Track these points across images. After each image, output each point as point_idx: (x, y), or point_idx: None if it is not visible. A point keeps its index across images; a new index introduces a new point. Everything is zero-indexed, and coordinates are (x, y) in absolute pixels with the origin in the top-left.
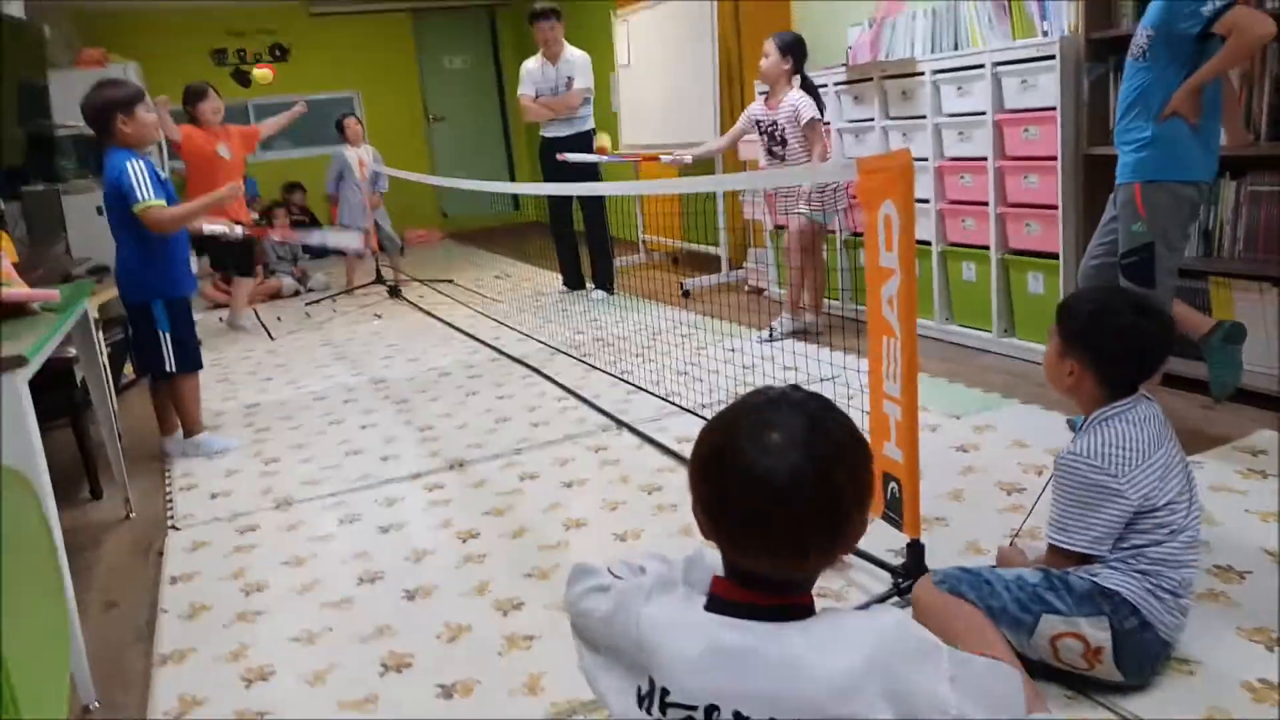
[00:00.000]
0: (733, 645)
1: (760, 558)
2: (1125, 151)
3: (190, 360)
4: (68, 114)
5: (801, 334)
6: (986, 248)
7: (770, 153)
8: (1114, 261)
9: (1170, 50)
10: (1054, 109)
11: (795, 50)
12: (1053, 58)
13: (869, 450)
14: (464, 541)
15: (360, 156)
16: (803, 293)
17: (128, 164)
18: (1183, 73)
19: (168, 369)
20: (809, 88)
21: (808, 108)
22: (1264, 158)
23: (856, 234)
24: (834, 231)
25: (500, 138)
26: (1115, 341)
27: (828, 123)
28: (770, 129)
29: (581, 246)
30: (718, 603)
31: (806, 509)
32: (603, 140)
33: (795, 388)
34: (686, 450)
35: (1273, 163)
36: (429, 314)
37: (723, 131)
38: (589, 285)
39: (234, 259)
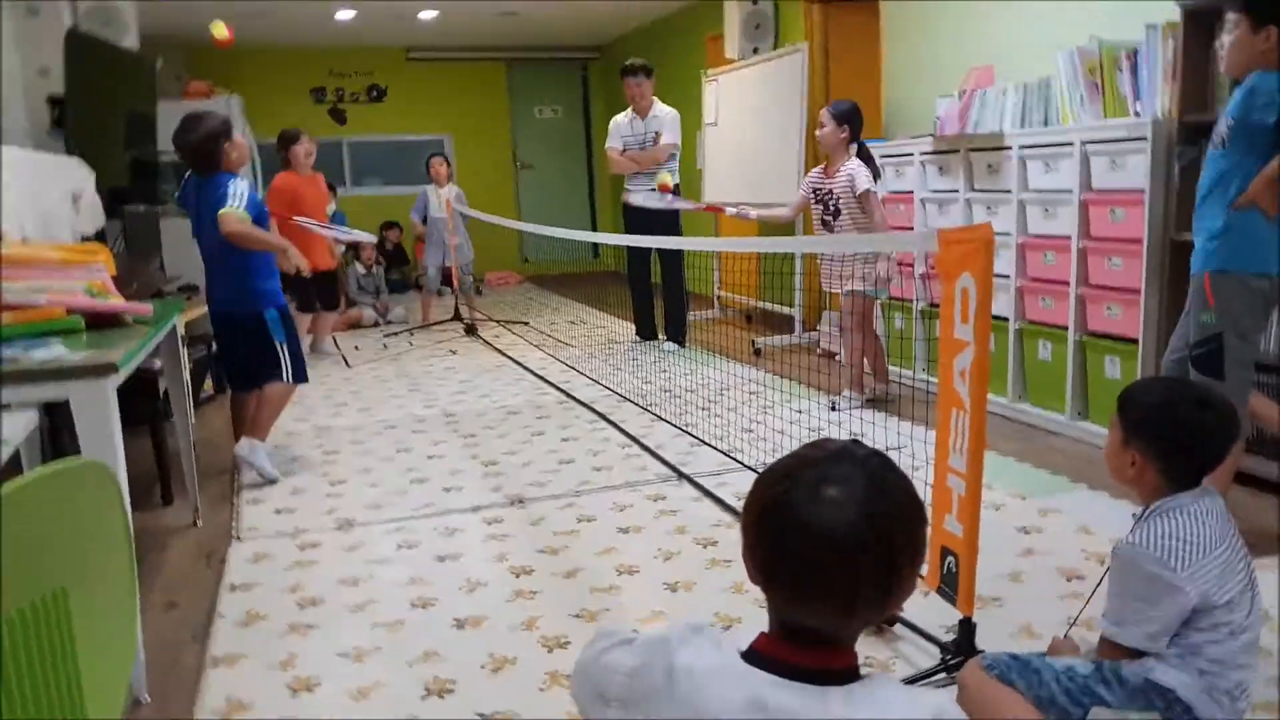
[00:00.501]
0: (776, 705)
1: (811, 609)
2: (1199, 240)
3: (302, 371)
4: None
5: (870, 403)
6: (1065, 328)
7: (823, 222)
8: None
9: (1248, 139)
10: (1142, 191)
11: (851, 119)
12: (1144, 139)
13: (924, 511)
14: (517, 576)
15: (445, 197)
16: (864, 367)
17: (232, 182)
18: (1260, 163)
19: (285, 379)
20: (865, 157)
21: (863, 178)
22: None
23: (934, 304)
24: (883, 299)
25: (585, 187)
26: (1176, 434)
27: (907, 193)
28: (825, 198)
29: (657, 298)
30: (759, 658)
31: (862, 565)
32: (663, 178)
33: (856, 443)
34: None
35: None
36: (502, 353)
37: None
38: (661, 337)
39: (319, 296)
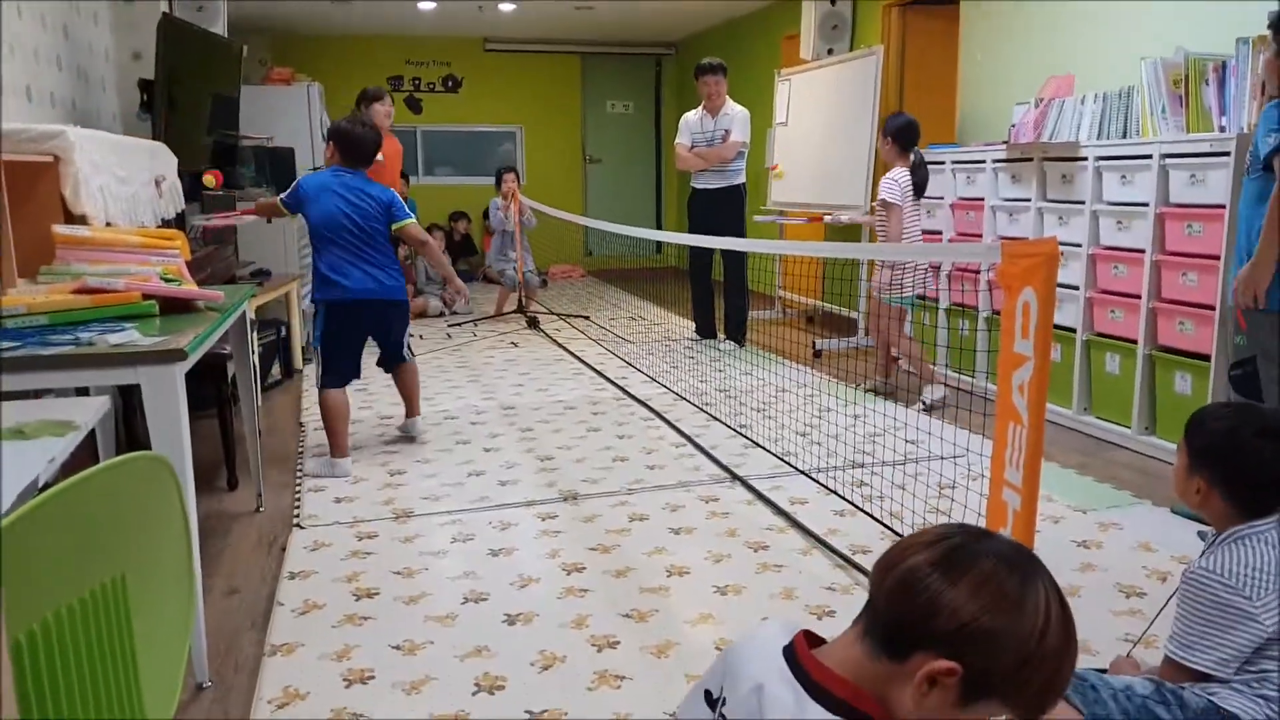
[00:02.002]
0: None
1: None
2: (1233, 267)
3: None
4: (253, 125)
5: (887, 394)
6: (1134, 341)
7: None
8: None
9: (1256, 170)
10: (1222, 207)
11: (896, 133)
12: (1227, 154)
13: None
14: (568, 573)
15: (514, 213)
16: (894, 366)
17: (394, 193)
18: (1265, 196)
19: (407, 356)
20: (917, 167)
21: (885, 189)
22: None
23: (996, 313)
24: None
25: (652, 183)
26: (1240, 462)
27: (979, 199)
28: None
29: (717, 296)
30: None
31: None
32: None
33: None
34: (798, 513)
35: None
36: (563, 347)
37: (872, 196)
38: (720, 335)
39: None
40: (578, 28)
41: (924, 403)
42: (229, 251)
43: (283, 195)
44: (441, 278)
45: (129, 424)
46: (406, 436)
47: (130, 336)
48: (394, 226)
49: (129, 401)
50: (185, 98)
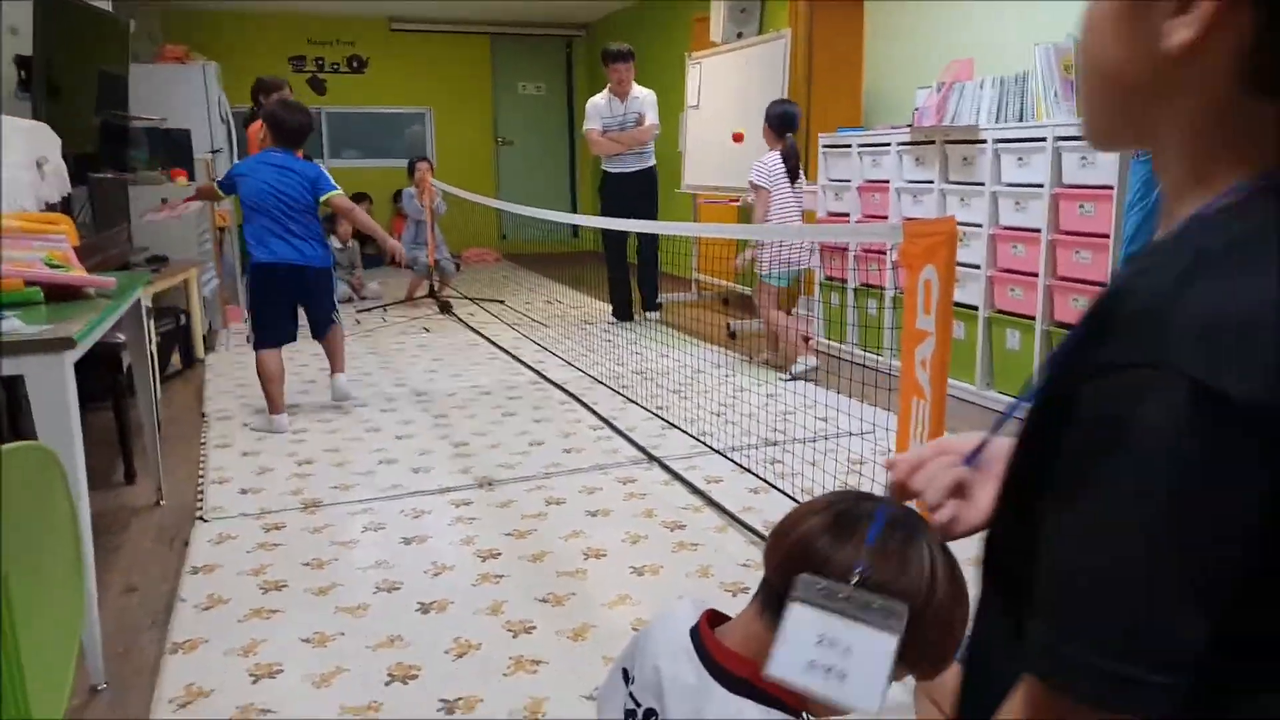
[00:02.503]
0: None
1: None
2: (1124, 244)
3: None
4: (146, 106)
5: (778, 367)
6: (1032, 318)
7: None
8: None
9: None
10: (1111, 187)
11: (772, 119)
12: None
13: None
14: (483, 560)
15: (425, 203)
16: (779, 342)
17: (319, 168)
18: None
19: (335, 318)
20: (788, 153)
21: (754, 172)
22: None
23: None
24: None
25: (566, 166)
26: None
27: (884, 181)
28: None
29: (633, 278)
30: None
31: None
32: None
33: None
34: (714, 491)
35: None
36: (477, 332)
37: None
38: (640, 314)
39: None
40: (487, 9)
41: (790, 373)
42: (122, 236)
43: (219, 179)
44: (352, 261)
45: (13, 417)
46: (336, 405)
47: (12, 325)
48: (321, 199)
49: (13, 394)
50: (68, 76)
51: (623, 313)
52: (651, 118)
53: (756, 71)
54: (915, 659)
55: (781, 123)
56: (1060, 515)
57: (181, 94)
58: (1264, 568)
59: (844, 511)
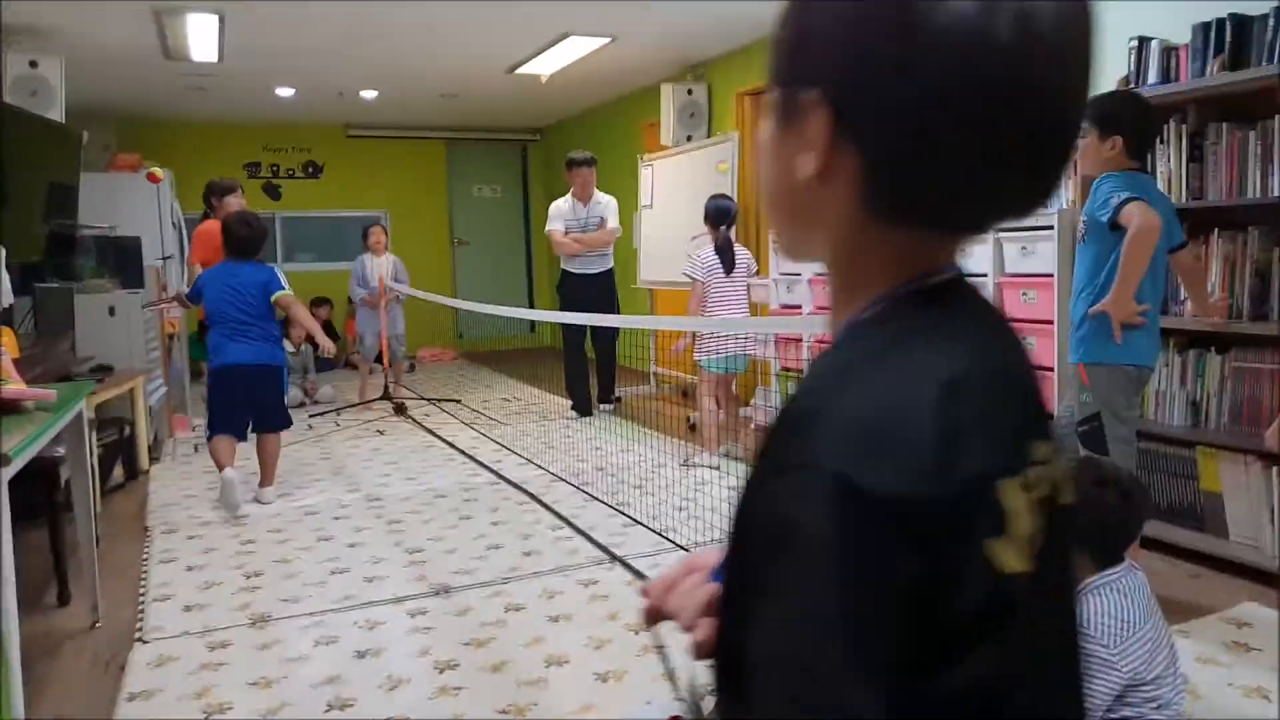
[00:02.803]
0: None
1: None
2: (1072, 331)
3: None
4: (97, 214)
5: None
6: None
7: None
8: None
9: (1097, 237)
10: (1051, 275)
11: (708, 214)
12: (1051, 228)
13: None
14: (441, 672)
15: (381, 267)
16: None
17: (272, 270)
18: (1105, 258)
19: (288, 423)
20: (721, 247)
21: (687, 265)
22: (1247, 336)
23: None
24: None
25: (523, 265)
26: (1081, 513)
27: (794, 274)
28: None
29: (591, 374)
30: None
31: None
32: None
33: None
34: None
35: (1255, 340)
36: (432, 433)
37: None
38: (598, 408)
39: None
40: (442, 114)
41: (692, 461)
42: (65, 346)
43: (188, 292)
44: (305, 365)
45: None
46: (285, 514)
47: None
48: (271, 299)
49: None
50: (18, 185)
51: (582, 408)
52: (613, 222)
53: (706, 171)
54: None
55: (716, 216)
56: (751, 613)
57: (133, 201)
58: (939, 641)
59: None
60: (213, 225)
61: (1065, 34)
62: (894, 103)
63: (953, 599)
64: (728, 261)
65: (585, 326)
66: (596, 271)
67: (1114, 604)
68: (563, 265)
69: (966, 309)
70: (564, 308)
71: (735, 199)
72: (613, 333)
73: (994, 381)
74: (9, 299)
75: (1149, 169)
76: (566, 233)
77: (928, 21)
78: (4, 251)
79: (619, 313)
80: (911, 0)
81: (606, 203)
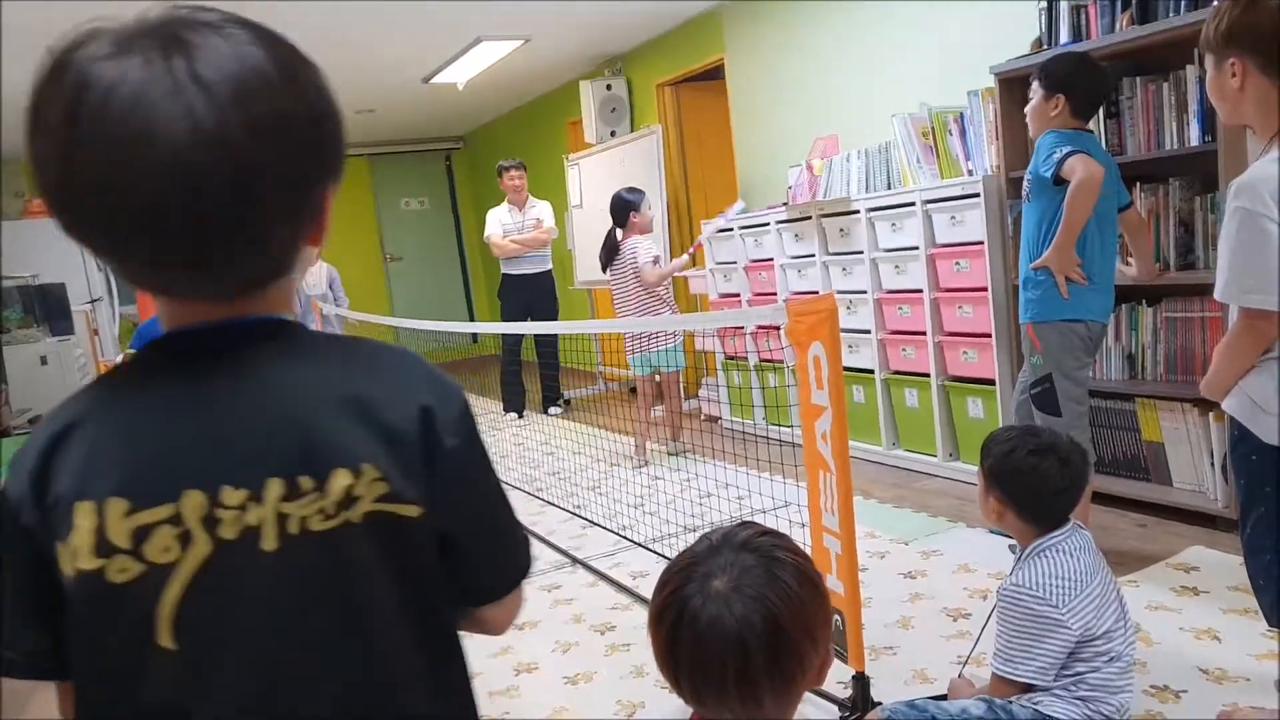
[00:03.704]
0: None
1: (717, 706)
2: (1022, 290)
3: None
4: (18, 264)
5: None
6: (927, 375)
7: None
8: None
9: (1041, 194)
10: (981, 243)
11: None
12: (977, 195)
13: (821, 587)
14: None
15: (312, 279)
16: (650, 428)
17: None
18: (1051, 215)
19: None
20: (603, 245)
21: (643, 252)
22: (1176, 286)
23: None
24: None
25: (458, 275)
26: (1021, 481)
27: (768, 260)
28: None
29: (529, 377)
30: None
31: (756, 656)
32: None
33: (746, 524)
34: (641, 586)
35: (1183, 290)
36: None
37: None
38: (553, 408)
39: None
40: (362, 130)
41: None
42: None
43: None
44: None
45: None
46: None
47: None
48: None
49: None
50: None
51: (516, 406)
52: (550, 221)
53: (634, 166)
54: (817, 651)
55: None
56: None
57: (54, 247)
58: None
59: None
60: None
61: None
62: None
63: (56, 573)
64: (603, 259)
65: (521, 334)
66: (536, 272)
67: (1059, 564)
68: (502, 268)
69: (200, 362)
70: (505, 309)
71: (664, 193)
72: (552, 336)
73: (115, 429)
74: None
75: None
76: (505, 236)
77: None
78: None
79: (558, 313)
80: None
81: (541, 206)
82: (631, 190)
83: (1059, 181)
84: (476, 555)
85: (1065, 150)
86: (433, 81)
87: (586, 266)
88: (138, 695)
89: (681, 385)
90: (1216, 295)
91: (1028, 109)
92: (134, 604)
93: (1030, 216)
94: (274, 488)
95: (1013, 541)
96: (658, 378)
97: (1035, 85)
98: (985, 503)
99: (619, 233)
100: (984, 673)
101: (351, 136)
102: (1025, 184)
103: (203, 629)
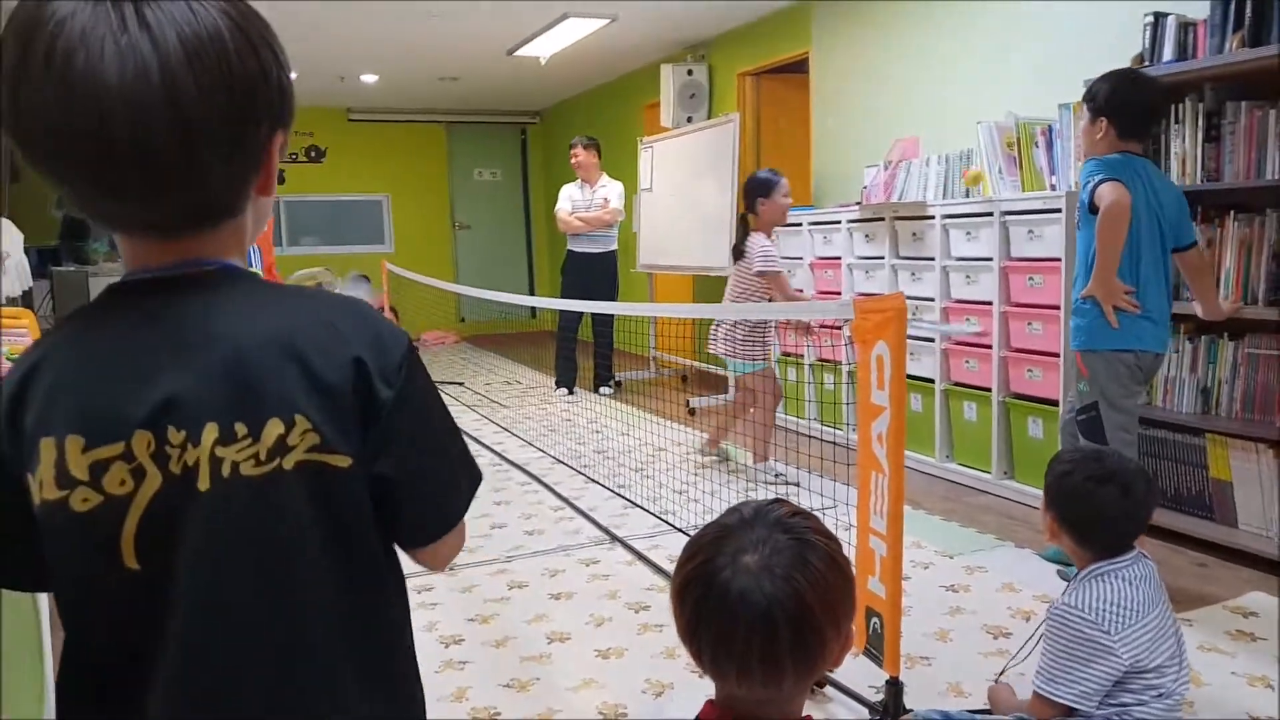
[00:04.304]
0: None
1: (737, 680)
2: (1073, 317)
3: None
4: None
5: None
6: (988, 390)
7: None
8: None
9: (1085, 221)
10: (1059, 260)
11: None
12: (1059, 210)
13: (848, 572)
14: (447, 646)
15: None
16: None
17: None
18: (1093, 242)
19: None
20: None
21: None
22: (1263, 321)
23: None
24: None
25: (523, 248)
26: (1074, 505)
27: (835, 258)
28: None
29: (583, 355)
30: None
31: (781, 634)
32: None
33: (777, 502)
34: None
35: (1271, 326)
36: None
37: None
38: (604, 388)
39: None
40: (442, 98)
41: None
42: None
43: None
44: None
45: None
46: None
47: None
48: None
49: None
50: (30, 172)
51: (567, 382)
52: (616, 203)
53: (707, 154)
54: (839, 635)
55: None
56: None
57: None
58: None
59: (727, 525)
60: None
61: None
62: None
63: (29, 497)
64: (733, 251)
65: (581, 312)
66: (599, 251)
67: (1116, 590)
68: (568, 245)
69: (149, 306)
70: (565, 285)
71: (736, 183)
72: (610, 318)
73: (73, 370)
74: (28, 282)
75: (1151, 151)
76: (572, 213)
77: None
78: (22, 236)
79: (618, 294)
80: None
81: (610, 185)
82: (772, 171)
83: (1094, 210)
84: (410, 503)
85: (1099, 178)
86: (516, 54)
87: (650, 250)
88: (114, 610)
89: (770, 393)
90: None
91: (1079, 130)
92: (99, 529)
93: (1081, 243)
94: (210, 432)
95: (1063, 569)
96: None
97: (1084, 107)
98: (1045, 519)
99: (751, 219)
100: (1023, 689)
101: (431, 103)
102: (1076, 210)
103: (160, 553)
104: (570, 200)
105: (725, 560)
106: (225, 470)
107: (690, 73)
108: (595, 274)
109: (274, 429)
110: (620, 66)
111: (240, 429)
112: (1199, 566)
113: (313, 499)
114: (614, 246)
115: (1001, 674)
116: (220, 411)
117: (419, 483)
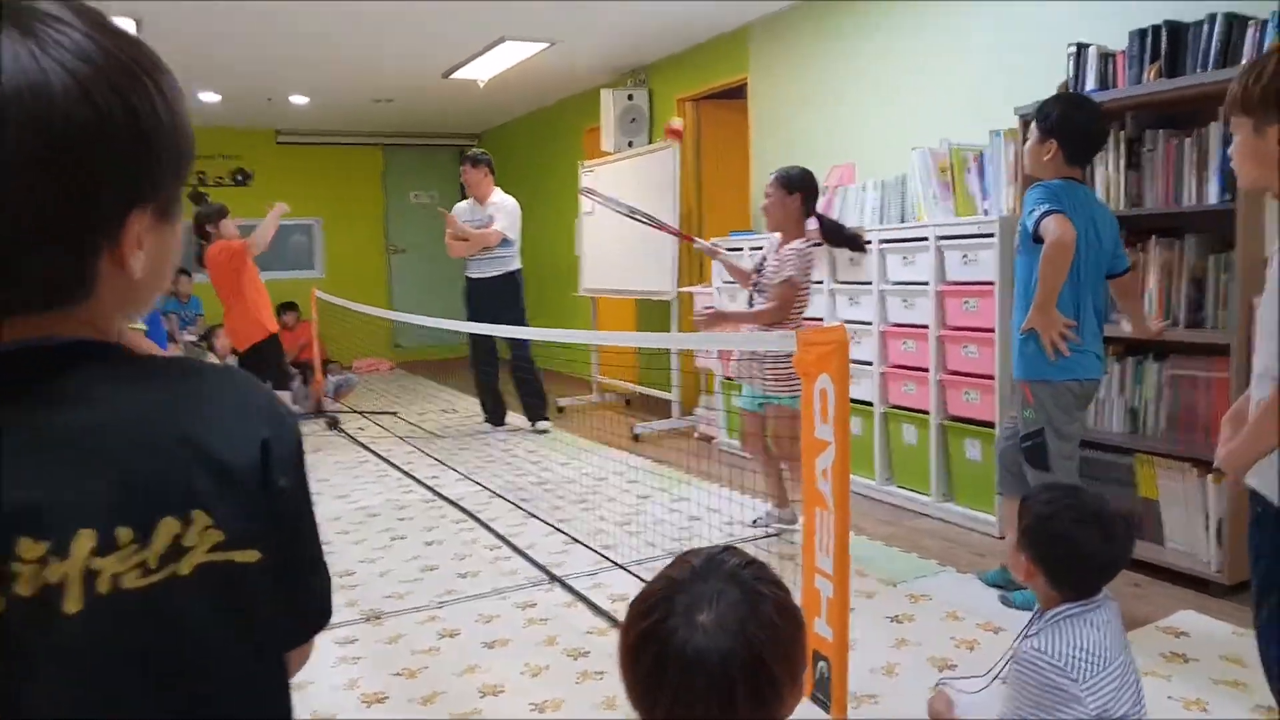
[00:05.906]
0: None
1: None
2: (1018, 345)
3: None
4: None
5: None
6: (926, 412)
7: (750, 302)
8: (1015, 444)
9: (1025, 248)
10: (992, 283)
11: (802, 185)
12: (992, 235)
13: (802, 622)
14: (369, 705)
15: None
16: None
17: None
18: (1034, 271)
19: None
20: (830, 233)
21: (790, 265)
22: (1184, 343)
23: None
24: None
25: (460, 272)
26: (1057, 549)
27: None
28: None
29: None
30: None
31: (739, 691)
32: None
33: (729, 549)
34: (620, 611)
35: (1191, 349)
36: (366, 448)
37: (680, 279)
38: (540, 423)
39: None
40: (377, 120)
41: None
42: None
43: None
44: None
45: None
46: None
47: None
48: None
49: None
50: None
51: (497, 418)
52: (500, 223)
53: (649, 178)
54: (795, 687)
55: (813, 185)
56: None
57: None
58: None
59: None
60: (231, 246)
61: None
62: None
63: None
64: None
65: (490, 336)
66: (494, 275)
67: (1085, 637)
68: (465, 270)
69: (6, 389)
70: (469, 313)
71: (677, 207)
72: (523, 343)
73: None
74: None
75: (1086, 177)
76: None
77: None
78: None
79: (524, 318)
80: None
81: (500, 203)
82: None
83: (1037, 240)
84: (289, 598)
85: (1044, 209)
86: (453, 77)
87: (593, 273)
88: None
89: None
90: (1256, 372)
91: (1025, 147)
92: None
93: (1019, 269)
94: (84, 541)
95: (1005, 594)
96: (769, 414)
97: (1033, 125)
98: (1015, 558)
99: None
100: (966, 695)
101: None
102: (1016, 234)
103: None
104: (460, 221)
105: (679, 620)
106: (103, 586)
107: (630, 97)
108: (495, 298)
109: (167, 530)
110: (561, 90)
111: (124, 534)
112: (1134, 586)
113: (216, 607)
114: (514, 266)
115: (937, 685)
116: (95, 515)
117: (301, 577)
